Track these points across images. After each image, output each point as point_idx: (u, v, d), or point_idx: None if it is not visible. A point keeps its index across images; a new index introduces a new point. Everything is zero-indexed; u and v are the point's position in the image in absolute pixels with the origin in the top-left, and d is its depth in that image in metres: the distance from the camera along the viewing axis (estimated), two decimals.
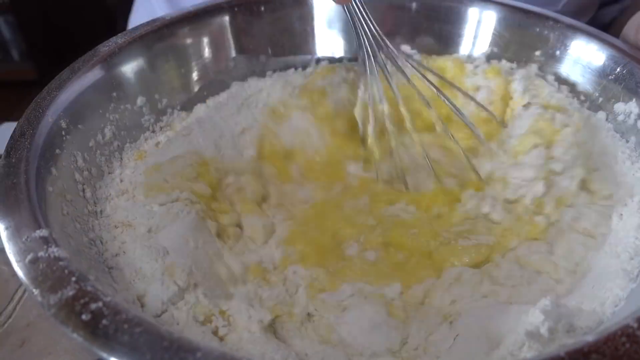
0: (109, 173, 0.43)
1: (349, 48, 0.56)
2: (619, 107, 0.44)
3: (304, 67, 0.56)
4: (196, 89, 0.52)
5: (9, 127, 0.67)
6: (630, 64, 0.44)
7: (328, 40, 0.56)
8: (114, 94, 0.45)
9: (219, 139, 0.48)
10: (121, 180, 0.43)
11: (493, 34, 0.53)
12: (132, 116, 0.47)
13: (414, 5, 0.54)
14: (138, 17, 0.80)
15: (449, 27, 0.54)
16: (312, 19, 0.55)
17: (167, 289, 0.35)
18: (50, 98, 0.40)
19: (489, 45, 0.53)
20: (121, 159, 0.45)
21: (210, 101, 0.52)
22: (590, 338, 0.25)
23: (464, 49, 0.54)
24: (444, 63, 0.52)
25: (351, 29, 0.47)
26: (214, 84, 0.53)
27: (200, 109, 0.51)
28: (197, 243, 0.38)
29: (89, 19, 1.69)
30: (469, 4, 0.53)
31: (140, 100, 0.47)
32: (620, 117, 0.44)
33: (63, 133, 0.40)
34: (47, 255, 0.29)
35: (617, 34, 0.49)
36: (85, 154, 0.41)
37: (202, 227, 0.40)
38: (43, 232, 0.30)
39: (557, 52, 0.49)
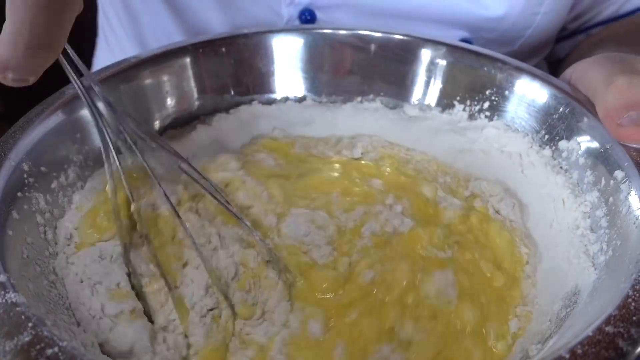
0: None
1: (310, 86, 0.58)
2: (563, 144, 0.47)
3: (270, 103, 0.58)
4: (160, 128, 0.53)
5: None
6: (572, 103, 0.47)
7: (290, 79, 0.58)
8: (78, 136, 0.46)
9: None
10: None
11: (446, 73, 0.55)
12: (96, 156, 0.47)
13: (372, 47, 0.57)
14: (102, 56, 0.81)
15: (405, 67, 0.57)
16: (273, 60, 0.57)
17: (128, 329, 0.35)
18: (13, 141, 0.41)
19: (443, 83, 0.56)
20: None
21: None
22: None
23: (419, 87, 0.57)
24: None
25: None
26: (179, 122, 0.54)
27: None
28: None
29: None
30: (422, 45, 0.56)
31: None
32: (564, 154, 0.47)
33: (25, 176, 0.40)
34: (4, 301, 0.29)
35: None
36: (48, 196, 0.42)
37: None
38: (1, 278, 0.31)
39: (506, 92, 0.52)
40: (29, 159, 0.41)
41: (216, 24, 0.68)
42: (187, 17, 0.70)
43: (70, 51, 0.41)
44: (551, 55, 0.80)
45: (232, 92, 0.56)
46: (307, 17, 0.66)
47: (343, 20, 0.66)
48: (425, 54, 0.56)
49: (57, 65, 0.38)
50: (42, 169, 0.42)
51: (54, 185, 0.43)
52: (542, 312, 0.40)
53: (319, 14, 0.67)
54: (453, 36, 0.66)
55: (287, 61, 0.57)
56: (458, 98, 0.55)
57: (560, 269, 0.42)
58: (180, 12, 0.70)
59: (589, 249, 0.41)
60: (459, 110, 0.55)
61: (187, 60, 0.54)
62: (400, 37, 0.57)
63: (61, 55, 0.38)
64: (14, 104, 1.89)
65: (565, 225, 0.44)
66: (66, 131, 0.45)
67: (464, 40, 0.66)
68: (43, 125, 0.43)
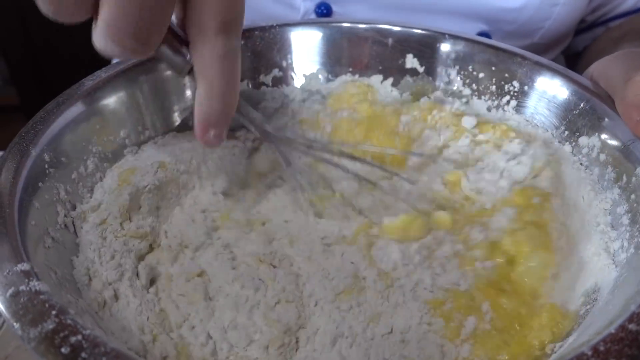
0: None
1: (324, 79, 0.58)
2: (583, 140, 0.47)
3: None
4: (179, 120, 0.53)
5: None
6: (592, 100, 0.46)
7: (307, 72, 0.58)
8: (98, 127, 0.46)
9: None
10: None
11: (464, 68, 0.55)
12: (115, 148, 0.48)
13: (390, 40, 0.57)
14: None
15: (423, 62, 0.57)
16: (291, 53, 0.57)
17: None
18: (35, 132, 0.41)
19: (462, 78, 0.55)
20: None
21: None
22: None
23: (438, 81, 0.56)
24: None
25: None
26: None
27: None
28: None
29: (72, 45, 1.70)
30: (442, 39, 0.55)
31: (123, 133, 0.48)
32: (585, 150, 0.46)
33: (46, 166, 0.40)
34: (28, 289, 0.30)
35: (588, 62, 0.51)
36: (68, 186, 0.42)
37: None
38: (24, 266, 0.31)
39: (525, 87, 0.52)
40: (49, 150, 0.41)
41: None
42: None
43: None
44: (569, 48, 0.79)
45: (250, 86, 0.56)
46: (324, 10, 0.66)
47: (359, 14, 0.65)
48: (444, 49, 0.55)
49: (70, 59, 0.39)
50: (63, 159, 0.42)
51: (74, 175, 0.43)
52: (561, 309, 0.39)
53: (335, 8, 0.67)
54: (471, 29, 0.66)
55: (305, 55, 0.57)
56: (476, 94, 0.55)
57: (579, 266, 0.41)
58: None
59: (610, 246, 0.40)
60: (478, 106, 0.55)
61: None
62: (419, 31, 0.56)
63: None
64: (30, 97, 1.91)
65: (585, 222, 0.43)
66: (86, 122, 0.46)
67: (482, 33, 0.66)
68: (63, 116, 0.44)
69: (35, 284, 0.30)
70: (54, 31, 1.72)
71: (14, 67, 1.86)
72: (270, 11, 0.67)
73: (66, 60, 1.66)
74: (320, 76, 0.58)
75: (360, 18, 0.58)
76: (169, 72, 0.51)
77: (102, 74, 0.49)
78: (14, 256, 0.32)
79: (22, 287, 0.30)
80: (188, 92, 0.53)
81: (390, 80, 0.58)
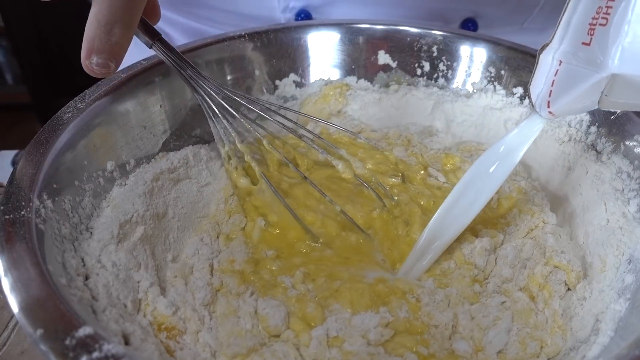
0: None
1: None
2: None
3: None
4: (161, 142, 0.51)
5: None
6: None
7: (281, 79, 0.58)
8: (85, 162, 0.43)
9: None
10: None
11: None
12: (105, 183, 0.44)
13: (360, 39, 0.58)
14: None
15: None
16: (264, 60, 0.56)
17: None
18: (28, 177, 0.37)
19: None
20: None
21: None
22: None
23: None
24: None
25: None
26: (180, 134, 0.53)
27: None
28: None
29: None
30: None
31: (110, 165, 0.45)
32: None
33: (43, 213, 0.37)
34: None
35: None
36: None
37: None
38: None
39: (502, 72, 0.56)
40: (44, 193, 0.38)
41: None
42: (187, 27, 0.70)
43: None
44: None
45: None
46: (303, 17, 0.65)
47: (337, 15, 0.65)
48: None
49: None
50: (58, 203, 0.39)
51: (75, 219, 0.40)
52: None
53: (315, 15, 0.66)
54: (459, 9, 0.66)
55: (278, 62, 0.57)
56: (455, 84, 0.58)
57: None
58: (180, 23, 0.69)
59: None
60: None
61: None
62: (385, 27, 0.58)
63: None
64: (41, 95, 1.82)
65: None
66: (72, 159, 0.42)
67: (468, 20, 0.66)
68: (50, 156, 0.40)
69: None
70: (66, 31, 1.68)
71: (25, 66, 1.83)
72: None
73: (77, 59, 1.67)
74: (294, 81, 0.58)
75: (327, 19, 0.58)
76: (146, 98, 0.49)
77: (77, 104, 0.45)
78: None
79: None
80: (168, 112, 0.51)
81: (364, 79, 0.59)
